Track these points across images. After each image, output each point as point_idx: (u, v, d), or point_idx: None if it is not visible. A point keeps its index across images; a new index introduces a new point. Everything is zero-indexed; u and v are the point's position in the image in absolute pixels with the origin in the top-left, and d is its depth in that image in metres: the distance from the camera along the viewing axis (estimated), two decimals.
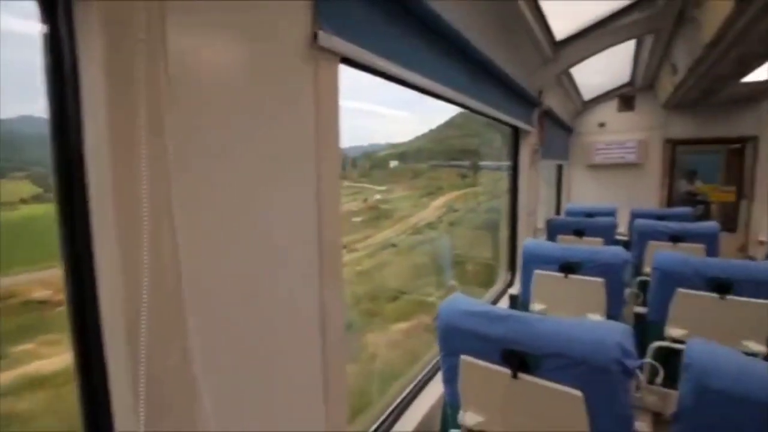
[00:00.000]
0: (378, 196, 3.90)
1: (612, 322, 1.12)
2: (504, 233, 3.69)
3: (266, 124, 0.78)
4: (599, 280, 2.05)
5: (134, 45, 0.55)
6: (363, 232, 3.29)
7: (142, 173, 0.55)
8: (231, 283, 0.72)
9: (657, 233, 3.08)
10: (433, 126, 4.40)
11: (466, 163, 5.12)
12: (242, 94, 0.72)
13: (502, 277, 3.61)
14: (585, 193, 6.03)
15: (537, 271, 2.23)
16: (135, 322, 0.56)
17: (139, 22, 0.55)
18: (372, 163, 4.10)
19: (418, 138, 4.55)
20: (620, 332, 1.06)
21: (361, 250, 3.01)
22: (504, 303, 3.01)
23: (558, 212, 6.02)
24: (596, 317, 2.04)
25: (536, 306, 2.24)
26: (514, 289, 3.01)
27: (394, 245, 3.45)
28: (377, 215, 3.59)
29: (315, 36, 0.90)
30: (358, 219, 3.44)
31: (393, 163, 4.32)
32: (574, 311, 2.11)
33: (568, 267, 2.13)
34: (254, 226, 0.76)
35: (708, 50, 2.65)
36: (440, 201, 4.55)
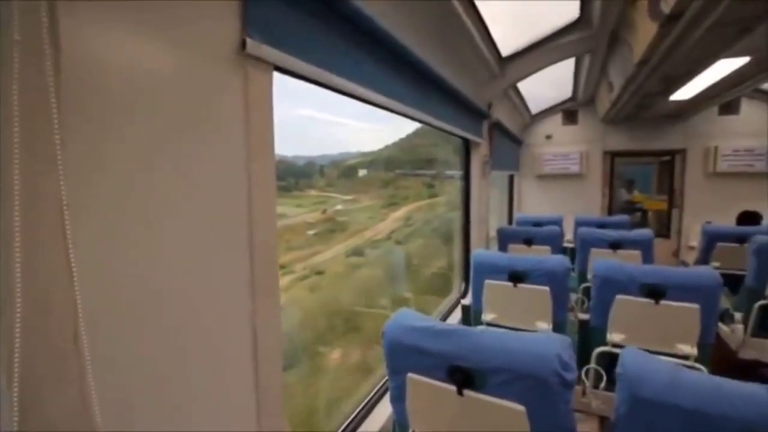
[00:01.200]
0: (339, 207, 3.84)
1: (552, 335, 1.14)
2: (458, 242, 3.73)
3: (191, 130, 0.77)
4: (545, 288, 2.09)
5: (10, 46, 0.53)
6: (314, 247, 3.22)
7: (16, 172, 0.54)
8: (143, 290, 0.70)
9: (598, 241, 3.19)
10: (403, 135, 4.43)
11: (431, 172, 5.18)
12: (164, 99, 0.72)
13: (457, 286, 3.65)
14: (535, 202, 6.19)
15: (487, 281, 2.24)
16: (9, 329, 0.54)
17: (13, 24, 0.53)
18: (340, 172, 4.07)
19: (387, 147, 4.56)
20: (559, 344, 1.07)
21: (300, 272, 2.94)
22: (458, 314, 3.01)
23: (510, 221, 6.16)
24: (543, 325, 2.09)
25: (487, 316, 2.25)
26: (467, 299, 3.05)
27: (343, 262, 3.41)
28: (332, 228, 3.53)
29: (243, 43, 0.88)
30: (312, 232, 3.36)
31: (362, 172, 4.30)
32: (522, 319, 2.14)
33: (516, 276, 2.16)
34: (174, 234, 0.75)
35: (638, 69, 2.81)
36: (401, 212, 4.55)
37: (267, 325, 0.96)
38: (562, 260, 2.15)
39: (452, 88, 2.37)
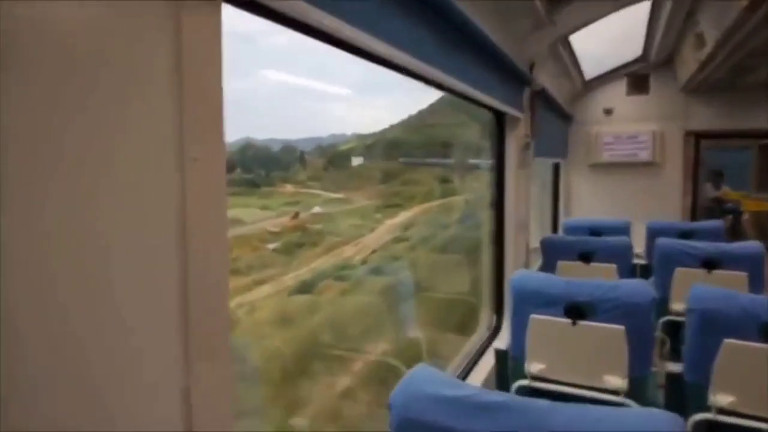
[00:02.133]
0: (317, 209, 3.74)
1: (657, 414, 1.09)
2: (488, 257, 3.71)
3: (103, 98, 0.76)
4: (618, 328, 2.05)
5: None
6: (266, 270, 3.09)
7: None
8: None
9: (684, 256, 3.18)
10: (414, 111, 4.34)
11: (447, 161, 5.08)
12: (73, 55, 0.72)
13: (485, 320, 3.59)
14: (589, 201, 6.18)
15: (533, 316, 2.22)
16: None
17: None
18: (328, 161, 4.02)
19: (393, 127, 4.52)
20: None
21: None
22: (488, 361, 2.95)
23: (555, 227, 6.15)
24: (615, 381, 2.05)
25: (533, 366, 2.22)
26: (501, 341, 3.01)
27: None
28: (300, 240, 3.41)
29: None
30: (272, 245, 3.23)
31: (357, 161, 4.23)
32: (585, 373, 2.14)
33: (576, 309, 2.15)
34: (78, 234, 0.74)
35: (746, 15, 2.71)
36: (399, 219, 4.43)
37: (211, 409, 0.91)
38: (643, 288, 2.15)
39: (483, 37, 2.33)
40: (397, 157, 4.59)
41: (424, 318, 3.75)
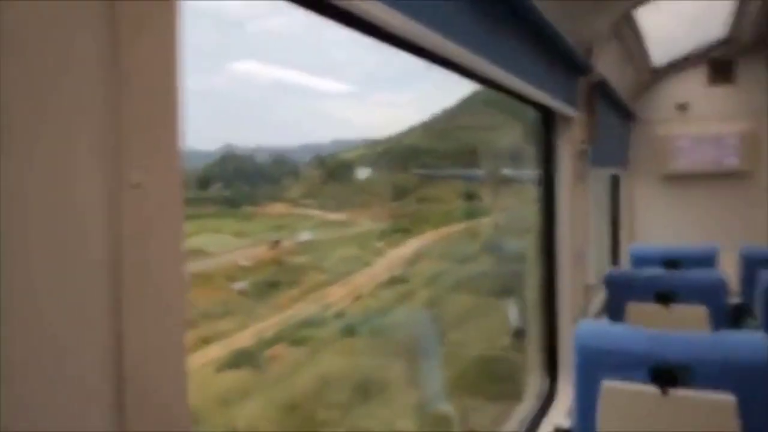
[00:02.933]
0: (305, 236, 3.70)
1: None
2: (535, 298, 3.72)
3: (33, 90, 0.74)
4: (727, 398, 1.99)
5: None
6: (225, 321, 3.02)
7: None
8: None
9: None
10: (437, 110, 4.35)
11: (475, 172, 5.07)
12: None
13: (533, 385, 3.55)
14: (659, 222, 6.20)
15: (607, 383, 2.18)
16: None
17: None
18: (328, 173, 4.01)
19: (413, 129, 4.51)
20: None
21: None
22: None
23: (615, 257, 6.15)
24: None
25: None
26: (560, 414, 3.04)
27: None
28: (276, 278, 3.36)
29: None
30: (240, 285, 3.19)
31: (363, 172, 4.22)
32: None
33: (668, 374, 2.09)
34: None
35: None
36: (406, 249, 4.37)
37: None
38: (761, 341, 2.09)
39: (530, 11, 2.34)
40: (415, 167, 4.57)
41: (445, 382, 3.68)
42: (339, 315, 3.65)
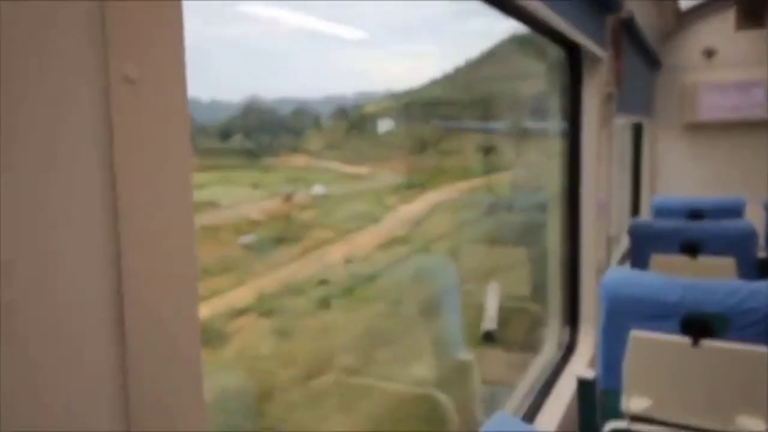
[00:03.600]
0: (319, 189, 3.63)
1: None
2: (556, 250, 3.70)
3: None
4: (762, 350, 1.97)
5: None
6: (220, 279, 2.94)
7: None
8: None
9: None
10: (461, 62, 4.31)
11: (499, 125, 5.01)
12: None
13: (553, 335, 3.56)
14: (683, 173, 6.22)
15: (636, 333, 2.17)
16: None
17: None
18: (351, 125, 3.91)
19: (435, 82, 4.46)
20: None
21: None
22: (566, 389, 2.89)
23: (636, 209, 6.22)
24: (754, 423, 2.00)
25: (634, 402, 2.16)
26: (582, 365, 3.03)
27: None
28: (283, 233, 3.29)
29: None
30: (246, 240, 3.11)
31: (386, 125, 4.16)
32: (710, 412, 2.08)
33: (701, 324, 2.08)
34: None
35: None
36: (416, 206, 4.30)
37: None
38: None
39: None
40: (438, 119, 4.51)
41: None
42: (322, 282, 3.50)
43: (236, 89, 2.93)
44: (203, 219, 2.77)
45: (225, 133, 3.17)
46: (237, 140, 3.19)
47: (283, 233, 3.35)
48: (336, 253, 3.65)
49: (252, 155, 3.34)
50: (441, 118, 4.63)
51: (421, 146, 4.38)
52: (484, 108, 4.96)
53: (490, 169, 5.06)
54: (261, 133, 3.34)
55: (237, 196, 3.28)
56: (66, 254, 0.76)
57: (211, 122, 3.08)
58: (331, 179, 3.82)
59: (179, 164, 0.84)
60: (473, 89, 4.78)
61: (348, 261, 3.71)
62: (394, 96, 4.15)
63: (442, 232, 4.50)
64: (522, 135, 4.83)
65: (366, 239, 3.86)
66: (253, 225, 3.22)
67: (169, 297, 0.86)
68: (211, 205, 2.96)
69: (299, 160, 3.65)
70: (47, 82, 0.71)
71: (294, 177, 3.60)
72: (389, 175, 4.14)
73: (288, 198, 3.55)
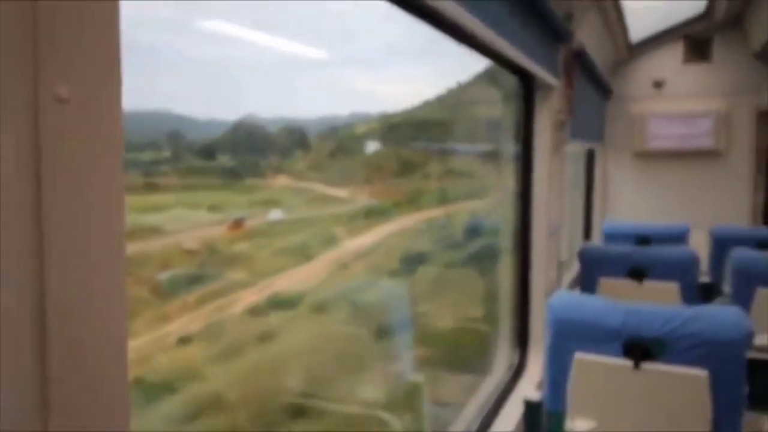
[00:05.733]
0: (275, 214, 3.46)
1: None
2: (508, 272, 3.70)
3: None
4: (700, 373, 2.01)
5: None
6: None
7: None
8: None
9: None
10: (453, 83, 4.39)
11: (482, 147, 5.04)
12: None
13: (502, 357, 3.55)
14: (632, 199, 6.26)
15: (579, 356, 2.19)
16: None
17: None
18: (338, 146, 4.00)
19: (427, 103, 4.59)
20: None
21: None
22: (514, 411, 2.90)
23: (588, 233, 6.24)
24: None
25: (578, 424, 2.19)
26: (530, 387, 3.06)
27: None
28: (198, 272, 3.06)
29: None
30: (167, 275, 2.87)
31: (372, 146, 4.13)
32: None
33: (642, 348, 2.10)
34: None
35: None
36: (360, 241, 4.19)
37: None
38: (736, 316, 2.11)
39: None
40: (424, 141, 4.53)
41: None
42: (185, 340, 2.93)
43: (233, 108, 2.89)
44: (132, 248, 2.49)
45: (210, 152, 3.04)
46: (223, 160, 3.08)
47: (200, 270, 3.08)
48: (239, 303, 3.21)
49: (235, 175, 3.23)
50: (430, 140, 4.64)
51: (407, 168, 4.37)
52: (475, 129, 5.00)
53: (443, 201, 5.02)
54: (248, 152, 3.27)
55: (186, 221, 3.02)
56: None
57: (200, 140, 2.98)
58: (301, 203, 3.68)
59: (109, 184, 0.82)
60: (458, 111, 4.81)
61: (251, 311, 3.28)
62: (384, 117, 4.15)
63: (385, 265, 4.28)
64: (498, 158, 4.87)
65: (285, 283, 3.54)
66: (186, 256, 2.99)
67: (94, 325, 0.83)
68: (155, 231, 2.75)
69: (282, 181, 3.51)
70: None
71: (266, 199, 3.41)
72: (366, 199, 4.09)
73: (237, 224, 3.30)
